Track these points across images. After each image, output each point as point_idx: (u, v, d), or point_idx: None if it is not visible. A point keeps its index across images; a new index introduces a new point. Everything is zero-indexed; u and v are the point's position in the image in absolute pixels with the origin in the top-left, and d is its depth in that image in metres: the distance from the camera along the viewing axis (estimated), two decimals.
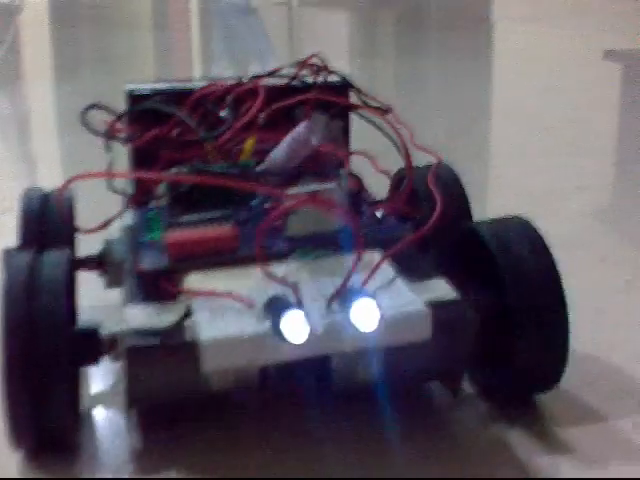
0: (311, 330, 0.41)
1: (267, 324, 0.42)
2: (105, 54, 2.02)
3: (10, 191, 0.90)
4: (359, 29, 2.64)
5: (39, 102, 1.52)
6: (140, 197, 0.54)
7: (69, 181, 0.51)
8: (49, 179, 0.84)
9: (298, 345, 0.41)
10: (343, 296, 0.43)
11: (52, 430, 0.44)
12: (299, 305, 0.42)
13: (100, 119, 0.55)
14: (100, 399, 0.51)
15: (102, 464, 0.46)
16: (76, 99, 1.48)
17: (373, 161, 0.58)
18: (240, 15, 2.83)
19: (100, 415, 0.50)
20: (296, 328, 0.41)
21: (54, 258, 0.46)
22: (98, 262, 0.56)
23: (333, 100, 0.57)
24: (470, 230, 0.51)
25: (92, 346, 0.45)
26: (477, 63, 1.83)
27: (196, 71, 1.91)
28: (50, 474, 0.45)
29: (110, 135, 0.54)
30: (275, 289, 0.43)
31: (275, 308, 0.42)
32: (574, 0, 2.77)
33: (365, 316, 0.42)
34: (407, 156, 0.53)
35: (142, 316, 0.43)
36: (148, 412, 0.47)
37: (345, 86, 0.59)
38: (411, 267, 0.47)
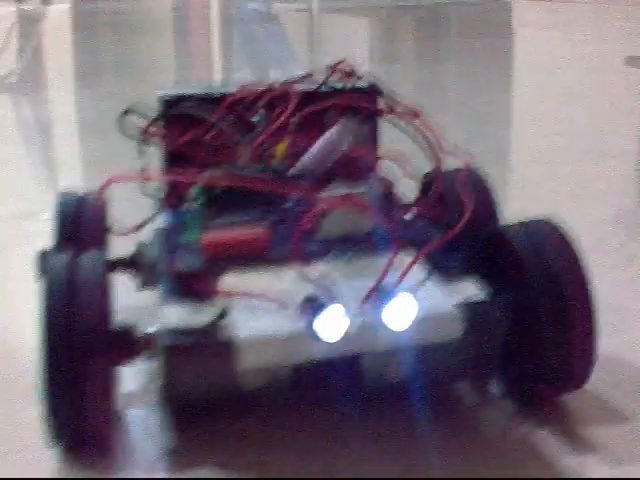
0: (344, 329, 0.42)
1: (301, 324, 0.42)
2: (126, 60, 2.03)
3: (35, 196, 0.91)
4: (379, 35, 2.65)
5: (62, 108, 1.53)
6: (174, 199, 0.55)
7: (106, 184, 0.52)
8: (73, 183, 0.85)
9: (331, 344, 0.42)
10: (376, 296, 0.43)
11: (87, 428, 0.45)
12: (332, 305, 0.43)
13: (133, 123, 0.55)
14: (133, 398, 0.52)
15: (135, 462, 0.46)
16: (98, 104, 1.49)
17: (403, 165, 0.59)
18: (260, 21, 2.84)
19: (133, 413, 0.51)
20: (329, 328, 0.42)
21: (90, 260, 0.47)
22: (132, 264, 0.57)
23: (364, 105, 0.58)
24: (499, 233, 0.51)
25: (127, 346, 0.45)
26: (497, 69, 1.83)
27: (217, 76, 1.92)
28: (85, 471, 0.45)
29: (144, 139, 0.55)
30: (309, 290, 0.44)
31: (309, 308, 0.42)
32: (594, 6, 2.77)
33: (397, 316, 0.43)
34: (436, 160, 0.54)
35: (178, 316, 0.44)
36: (181, 410, 0.48)
37: (374, 91, 0.60)
38: (441, 268, 0.47)
